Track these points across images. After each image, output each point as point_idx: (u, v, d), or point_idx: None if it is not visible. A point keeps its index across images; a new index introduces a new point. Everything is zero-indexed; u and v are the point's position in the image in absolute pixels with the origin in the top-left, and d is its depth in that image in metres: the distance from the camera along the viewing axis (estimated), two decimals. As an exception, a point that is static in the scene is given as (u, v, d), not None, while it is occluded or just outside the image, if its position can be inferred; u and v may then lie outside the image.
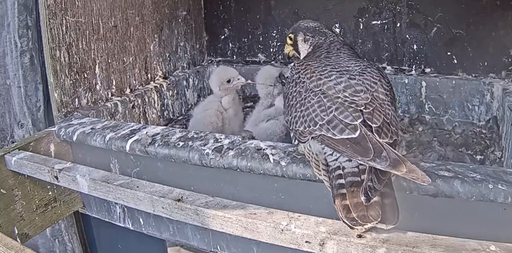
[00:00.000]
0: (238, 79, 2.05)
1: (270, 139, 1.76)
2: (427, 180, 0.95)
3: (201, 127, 1.96)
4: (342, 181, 1.02)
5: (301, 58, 1.70)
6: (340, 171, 1.05)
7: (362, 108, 1.17)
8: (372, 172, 1.00)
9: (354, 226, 0.93)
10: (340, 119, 1.14)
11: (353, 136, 1.08)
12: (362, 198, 0.95)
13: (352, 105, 1.18)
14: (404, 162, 0.98)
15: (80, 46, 1.85)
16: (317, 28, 1.67)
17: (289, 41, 1.77)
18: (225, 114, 2.04)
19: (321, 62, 1.40)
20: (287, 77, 1.53)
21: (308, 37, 1.66)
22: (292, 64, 1.55)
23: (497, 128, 1.94)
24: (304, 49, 1.69)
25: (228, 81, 2.04)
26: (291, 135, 1.40)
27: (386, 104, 1.24)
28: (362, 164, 1.03)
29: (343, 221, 0.95)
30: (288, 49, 1.80)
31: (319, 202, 1.23)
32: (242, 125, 2.08)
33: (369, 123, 1.13)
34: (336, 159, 1.09)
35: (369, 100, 1.20)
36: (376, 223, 0.92)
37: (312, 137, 1.18)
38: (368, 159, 1.01)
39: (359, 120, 1.12)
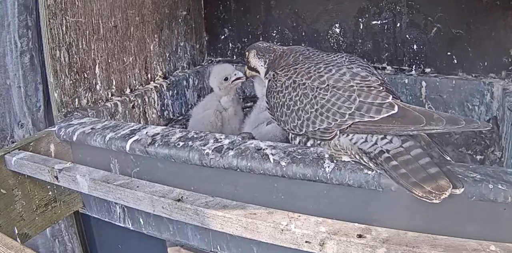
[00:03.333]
0: (235, 74, 2.03)
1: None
2: (488, 125, 0.99)
3: (200, 127, 1.96)
4: (394, 162, 1.03)
5: (262, 75, 1.78)
6: (387, 154, 1.05)
7: (381, 89, 1.21)
8: (427, 143, 1.05)
9: (434, 198, 0.94)
10: (369, 102, 1.16)
11: (394, 112, 1.11)
12: (448, 158, 0.99)
13: (372, 88, 1.21)
14: (459, 116, 1.01)
15: (80, 46, 1.85)
16: (267, 47, 1.79)
17: (246, 62, 1.89)
18: (224, 113, 2.03)
19: (308, 63, 1.43)
20: (268, 87, 1.54)
21: (260, 54, 1.78)
22: (269, 74, 1.60)
23: (497, 128, 1.94)
24: (259, 65, 1.78)
25: (226, 79, 2.03)
26: (297, 140, 1.40)
27: (388, 84, 1.31)
28: (406, 142, 1.05)
29: (421, 197, 0.95)
30: (246, 71, 1.92)
31: (319, 202, 1.23)
32: (241, 124, 2.07)
33: None
34: (374, 144, 1.10)
35: (380, 82, 1.25)
36: (451, 190, 0.93)
37: (340, 130, 1.19)
38: (422, 125, 1.03)
39: (390, 97, 1.15)
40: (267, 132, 1.82)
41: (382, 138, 1.10)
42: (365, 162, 1.12)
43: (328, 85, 1.27)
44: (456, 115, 1.05)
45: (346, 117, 1.18)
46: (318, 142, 1.31)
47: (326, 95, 1.25)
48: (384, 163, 1.04)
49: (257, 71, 1.82)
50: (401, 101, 1.24)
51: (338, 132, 1.21)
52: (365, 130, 1.13)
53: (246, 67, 1.91)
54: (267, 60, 1.74)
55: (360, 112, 1.16)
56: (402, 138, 1.08)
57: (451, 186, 0.93)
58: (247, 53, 1.86)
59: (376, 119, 1.12)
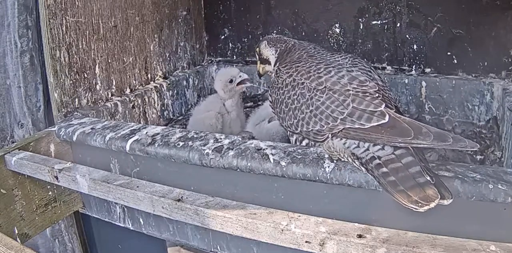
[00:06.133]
0: (240, 76, 2.04)
1: (273, 139, 1.77)
2: (476, 145, 0.96)
3: (200, 127, 1.96)
4: (384, 169, 1.02)
5: (272, 66, 1.77)
6: (378, 161, 1.05)
7: (376, 96, 1.20)
8: (416, 153, 1.03)
9: (420, 208, 0.93)
10: (362, 109, 1.16)
11: (384, 121, 1.10)
12: (428, 178, 0.96)
13: (367, 94, 1.20)
14: (447, 133, 0.99)
15: (80, 46, 1.85)
16: (277, 38, 1.80)
17: (258, 56, 1.87)
18: (226, 116, 2.03)
19: (310, 62, 1.42)
20: (272, 82, 1.54)
21: (271, 43, 1.77)
22: (273, 69, 1.59)
23: (497, 128, 1.94)
24: (270, 54, 1.77)
25: (231, 81, 2.03)
26: (294, 138, 1.40)
27: (387, 89, 1.30)
28: (398, 150, 1.04)
29: (407, 206, 0.94)
30: (259, 67, 1.89)
31: (319, 202, 1.23)
32: (243, 127, 2.07)
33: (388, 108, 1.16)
34: (366, 150, 1.09)
35: (377, 88, 1.24)
36: (438, 201, 0.92)
37: (332, 134, 1.19)
38: (410, 138, 1.02)
39: (383, 106, 1.14)
40: (268, 129, 1.82)
41: (374, 144, 1.10)
42: (357, 165, 1.11)
43: (325, 87, 1.27)
44: (446, 131, 1.02)
45: (338, 121, 1.18)
46: (313, 142, 1.31)
47: (322, 97, 1.25)
48: (375, 170, 1.04)
49: (269, 62, 1.81)
50: (398, 109, 1.24)
51: (330, 135, 1.20)
52: (355, 136, 1.13)
53: (258, 63, 1.88)
54: (278, 49, 1.73)
55: (352, 118, 1.15)
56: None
57: (439, 196, 0.92)
58: (257, 48, 1.84)
59: (366, 127, 1.11)
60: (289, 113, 1.37)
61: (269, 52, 1.78)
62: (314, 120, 1.25)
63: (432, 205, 0.92)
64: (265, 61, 1.82)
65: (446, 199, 0.93)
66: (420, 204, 0.92)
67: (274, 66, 1.71)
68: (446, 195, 0.94)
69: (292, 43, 1.71)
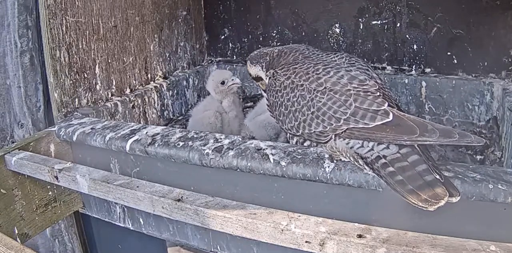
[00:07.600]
0: (233, 80, 2.03)
1: (266, 130, 1.80)
2: (482, 140, 0.97)
3: (200, 127, 1.96)
4: (391, 169, 1.02)
5: (265, 79, 1.71)
6: (384, 160, 1.04)
7: (377, 94, 1.20)
8: (422, 151, 1.03)
9: (430, 206, 0.93)
10: (364, 108, 1.15)
11: (388, 119, 1.10)
12: (437, 177, 0.96)
13: (368, 93, 1.19)
14: (453, 129, 1.00)
15: (80, 46, 1.85)
16: (258, 54, 1.73)
17: (251, 77, 1.82)
18: (224, 115, 2.03)
19: (307, 63, 1.41)
20: (268, 85, 1.53)
21: (254, 62, 1.72)
22: (269, 72, 1.57)
23: (497, 128, 1.94)
24: (258, 70, 1.71)
25: (222, 83, 2.02)
26: (294, 140, 1.40)
27: (386, 87, 1.30)
28: (403, 148, 1.04)
29: (416, 205, 0.94)
30: (258, 84, 1.83)
31: (319, 202, 1.23)
32: (242, 125, 2.07)
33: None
34: (371, 150, 1.09)
35: (377, 87, 1.23)
36: (447, 198, 0.92)
37: (335, 135, 1.19)
38: (416, 135, 1.02)
39: (386, 104, 1.14)
40: (261, 120, 1.84)
41: (378, 144, 1.09)
42: (360, 165, 1.11)
43: (325, 88, 1.26)
44: (451, 128, 1.02)
45: (341, 122, 1.18)
46: (315, 144, 1.31)
47: (323, 98, 1.24)
48: (381, 169, 1.03)
49: (261, 78, 1.75)
50: (399, 107, 1.23)
51: (333, 136, 1.20)
52: (359, 136, 1.13)
53: (255, 82, 1.84)
54: (263, 64, 1.68)
55: (355, 118, 1.15)
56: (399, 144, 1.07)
57: (448, 194, 0.93)
58: (247, 68, 1.80)
59: (370, 126, 1.11)
60: (289, 115, 1.36)
61: (255, 70, 1.73)
62: (316, 122, 1.25)
63: (442, 203, 0.92)
64: (258, 79, 1.77)
65: (455, 196, 0.93)
66: (429, 202, 0.93)
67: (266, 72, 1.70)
68: (454, 192, 0.94)
69: (277, 50, 1.66)
